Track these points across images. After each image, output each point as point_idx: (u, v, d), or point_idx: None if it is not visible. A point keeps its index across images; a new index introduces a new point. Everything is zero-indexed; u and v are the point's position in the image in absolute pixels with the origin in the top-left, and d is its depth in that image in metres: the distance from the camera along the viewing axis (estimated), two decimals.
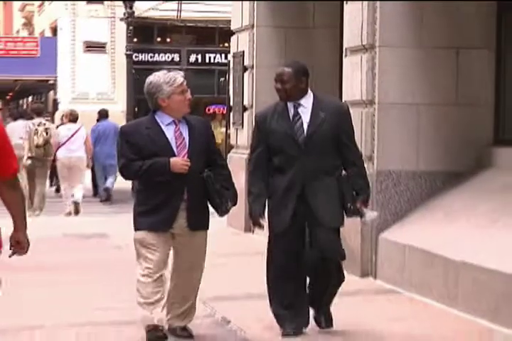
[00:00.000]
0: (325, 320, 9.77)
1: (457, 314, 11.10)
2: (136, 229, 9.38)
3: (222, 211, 9.32)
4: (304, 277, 9.65)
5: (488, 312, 10.55)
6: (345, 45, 14.32)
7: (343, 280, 9.75)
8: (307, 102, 8.82)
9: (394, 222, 13.45)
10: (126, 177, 9.78)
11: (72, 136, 25.35)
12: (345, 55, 14.29)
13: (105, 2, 48.24)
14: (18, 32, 67.23)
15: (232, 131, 19.87)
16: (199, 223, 9.33)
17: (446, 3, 13.32)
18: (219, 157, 9.76)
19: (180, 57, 48.04)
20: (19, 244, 8.17)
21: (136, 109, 37.54)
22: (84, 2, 48.81)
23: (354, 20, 13.84)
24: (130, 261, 13.47)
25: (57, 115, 38.03)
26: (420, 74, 13.34)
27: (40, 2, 57.56)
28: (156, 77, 9.15)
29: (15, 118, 29.90)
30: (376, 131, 13.38)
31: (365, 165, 9.78)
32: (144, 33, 44.86)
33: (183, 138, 9.00)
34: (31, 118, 26.27)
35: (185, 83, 9.14)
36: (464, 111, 13.38)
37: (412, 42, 13.23)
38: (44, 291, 12.29)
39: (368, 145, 13.52)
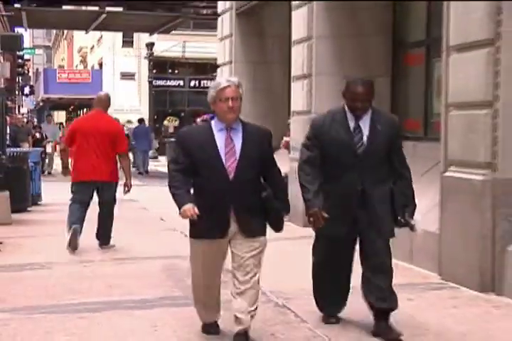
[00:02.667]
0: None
1: None
2: (192, 235, 6.54)
3: (278, 228, 6.49)
4: (347, 277, 7.15)
5: None
6: (292, 74, 14.28)
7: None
8: (366, 114, 6.69)
9: None
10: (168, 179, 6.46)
11: None
12: (293, 81, 14.23)
13: (134, 46, 49.40)
14: (76, 66, 67.25)
15: None
16: (252, 230, 6.34)
17: (361, 47, 13.43)
18: (274, 166, 6.63)
19: (184, 82, 49.11)
20: (127, 187, 11.50)
21: (155, 117, 38.62)
22: (121, 45, 50.12)
23: (297, 57, 14.02)
24: (153, 218, 13.92)
25: None
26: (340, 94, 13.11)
27: (92, 45, 58.23)
28: (214, 80, 6.60)
29: None
30: None
31: None
32: (160, 67, 45.19)
33: (233, 145, 6.23)
34: None
35: (232, 89, 6.24)
36: None
37: (335, 71, 13.06)
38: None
39: None
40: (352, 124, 6.69)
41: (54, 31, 79.47)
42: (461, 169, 8.76)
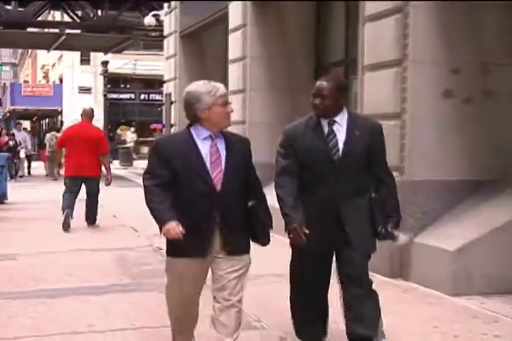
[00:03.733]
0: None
1: None
2: (169, 253, 5.12)
3: (265, 241, 5.24)
4: (324, 297, 5.86)
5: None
6: (229, 89, 14.19)
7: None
8: (342, 119, 5.48)
9: None
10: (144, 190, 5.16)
11: None
12: (229, 95, 14.22)
13: (91, 63, 49.13)
14: (40, 81, 66.51)
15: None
16: (236, 247, 5.09)
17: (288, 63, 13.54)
18: (255, 177, 5.41)
19: (135, 96, 48.99)
20: (108, 180, 12.62)
21: (109, 126, 38.60)
22: (79, 63, 49.80)
23: (233, 74, 14.03)
24: (107, 215, 13.81)
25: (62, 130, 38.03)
26: (270, 106, 13.27)
27: (53, 62, 57.76)
28: (196, 86, 5.16)
29: (45, 133, 30.73)
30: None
31: None
32: (113, 82, 44.83)
33: (219, 155, 5.06)
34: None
35: (226, 95, 5.20)
36: None
37: (266, 87, 13.20)
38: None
39: None
40: (326, 129, 5.44)
41: (20, 50, 78.50)
42: None
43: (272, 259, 7.71)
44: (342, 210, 5.39)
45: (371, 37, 8.93)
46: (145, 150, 46.20)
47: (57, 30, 30.89)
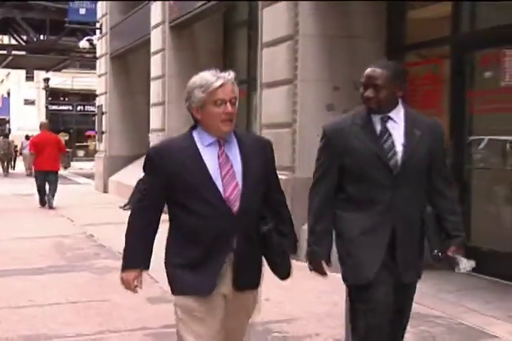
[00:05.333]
0: None
1: None
2: (175, 291, 3.27)
3: (282, 272, 3.38)
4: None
5: None
6: (151, 102, 14.18)
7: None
8: (398, 116, 3.64)
9: None
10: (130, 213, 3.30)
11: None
12: (151, 107, 14.21)
13: (35, 80, 48.29)
14: None
15: (97, 143, 19.80)
16: (249, 281, 3.30)
17: None
18: (279, 189, 3.44)
19: (72, 107, 48.30)
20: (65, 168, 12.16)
21: None
22: (24, 79, 48.87)
23: (154, 90, 13.90)
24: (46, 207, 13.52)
25: (10, 136, 37.25)
26: (184, 116, 13.15)
27: (2, 79, 56.38)
28: (196, 78, 3.20)
29: None
30: None
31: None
32: (54, 95, 44.19)
33: (231, 166, 3.16)
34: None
35: (228, 89, 3.15)
36: None
37: (181, 100, 13.14)
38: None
39: None
40: (378, 128, 3.56)
41: None
42: None
43: None
44: (398, 231, 3.53)
45: (268, 60, 8.97)
46: (81, 153, 45.64)
47: (5, 52, 30.37)
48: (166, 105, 13.20)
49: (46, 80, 37.57)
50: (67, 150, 15.75)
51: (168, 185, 3.12)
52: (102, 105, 18.36)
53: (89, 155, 37.49)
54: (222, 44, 13.47)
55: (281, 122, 8.58)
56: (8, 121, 52.02)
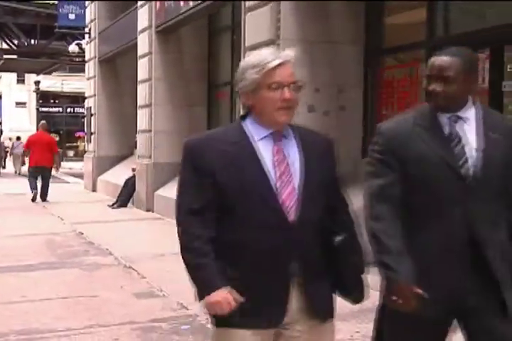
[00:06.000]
0: None
1: None
2: (218, 322, 2.43)
3: (358, 296, 2.52)
4: None
5: None
6: (138, 104, 14.06)
7: None
8: (469, 115, 2.65)
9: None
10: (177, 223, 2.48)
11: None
12: (139, 109, 14.14)
13: (26, 83, 47.94)
14: None
15: (86, 143, 19.66)
16: (323, 307, 2.46)
17: None
18: (341, 196, 2.61)
19: (62, 109, 47.87)
20: (57, 169, 13.29)
21: None
22: (15, 82, 48.56)
23: (142, 92, 13.85)
24: (37, 206, 13.44)
25: (2, 138, 37.04)
26: (171, 118, 13.03)
27: None
28: (250, 56, 2.48)
29: None
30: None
31: None
32: (44, 98, 43.81)
33: (288, 166, 2.38)
34: None
35: (289, 70, 2.41)
36: None
37: (167, 102, 13.02)
38: None
39: None
40: (446, 129, 2.72)
41: None
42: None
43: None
44: (479, 247, 2.62)
45: None
46: (71, 153, 45.45)
47: None
48: (153, 107, 13.12)
49: (37, 83, 37.50)
50: (58, 150, 15.98)
51: (214, 186, 2.40)
52: (90, 107, 18.26)
53: (79, 156, 37.34)
54: (207, 48, 13.45)
55: None
56: (0, 123, 51.77)
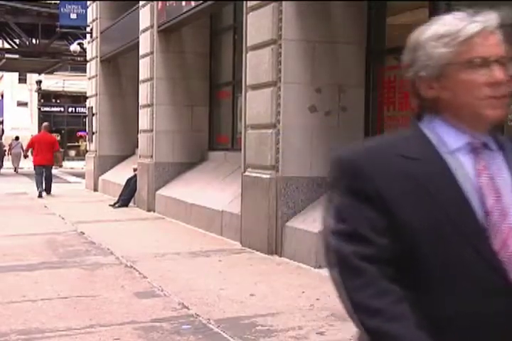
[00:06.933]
0: None
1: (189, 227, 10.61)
2: None
3: None
4: None
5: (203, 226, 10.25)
6: (140, 104, 14.09)
7: None
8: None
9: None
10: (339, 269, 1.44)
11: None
12: (140, 109, 14.14)
13: (27, 82, 47.91)
14: None
15: (88, 143, 19.67)
16: None
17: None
18: None
19: (64, 109, 47.78)
20: (59, 166, 13.11)
21: None
22: (17, 82, 48.67)
23: (143, 92, 13.89)
24: (39, 206, 13.43)
25: (4, 137, 37.11)
26: (172, 118, 13.03)
27: None
28: (427, 27, 1.50)
29: None
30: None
31: None
32: (46, 97, 43.75)
33: (499, 192, 1.35)
34: None
35: (491, 41, 1.42)
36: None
37: (169, 102, 13.16)
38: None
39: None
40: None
41: None
42: (254, 170, 8.87)
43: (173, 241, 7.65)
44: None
45: (253, 63, 8.95)
46: (72, 153, 45.47)
47: None
48: (154, 107, 13.11)
49: (38, 83, 37.47)
50: (59, 148, 16.79)
51: (392, 226, 1.50)
52: (92, 107, 18.27)
53: (80, 155, 37.33)
54: (208, 47, 13.42)
55: (265, 123, 8.56)
56: (2, 122, 51.73)
